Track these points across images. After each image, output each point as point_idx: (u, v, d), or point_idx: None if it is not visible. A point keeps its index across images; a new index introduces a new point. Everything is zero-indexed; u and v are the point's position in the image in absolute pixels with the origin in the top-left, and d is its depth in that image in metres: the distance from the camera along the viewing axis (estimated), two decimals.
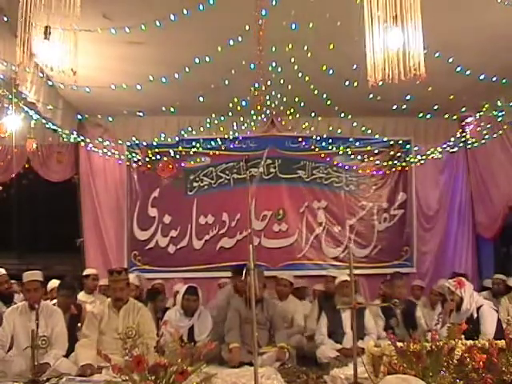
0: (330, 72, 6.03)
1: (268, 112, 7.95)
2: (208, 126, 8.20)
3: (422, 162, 8.55)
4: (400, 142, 8.67)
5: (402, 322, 5.87)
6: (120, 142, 8.30)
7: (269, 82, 6.03)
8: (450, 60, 5.70)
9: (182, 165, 8.48)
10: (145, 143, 8.36)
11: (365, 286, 8.24)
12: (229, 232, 8.43)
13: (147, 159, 8.37)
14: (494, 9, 4.70)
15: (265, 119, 8.31)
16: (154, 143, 8.31)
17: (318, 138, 8.45)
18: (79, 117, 7.90)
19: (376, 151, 8.67)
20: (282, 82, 6.34)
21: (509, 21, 5.02)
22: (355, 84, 5.94)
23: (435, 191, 8.79)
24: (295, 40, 5.24)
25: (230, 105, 7.10)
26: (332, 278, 6.49)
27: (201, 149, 8.45)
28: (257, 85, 5.86)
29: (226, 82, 6.13)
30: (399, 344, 3.42)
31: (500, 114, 7.15)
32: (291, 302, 6.94)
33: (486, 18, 5.06)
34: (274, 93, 6.75)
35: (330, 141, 8.51)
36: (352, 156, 8.63)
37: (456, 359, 3.31)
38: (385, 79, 2.99)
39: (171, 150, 8.38)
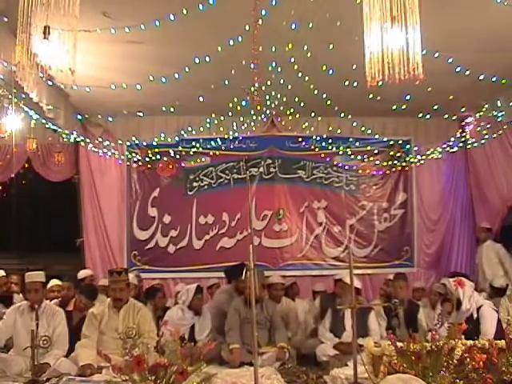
0: (330, 72, 6.03)
1: (268, 112, 7.96)
2: (208, 126, 8.20)
3: (422, 162, 8.56)
4: (400, 142, 8.68)
5: (404, 323, 5.86)
6: (120, 142, 8.31)
7: (269, 82, 6.03)
8: (450, 60, 5.71)
9: (182, 165, 8.49)
10: (145, 143, 8.37)
11: (366, 286, 8.23)
12: (229, 232, 8.43)
13: (147, 159, 8.38)
14: (493, 9, 4.70)
15: (265, 119, 8.32)
16: (154, 143, 8.32)
17: (318, 138, 8.46)
18: (79, 117, 7.91)
19: (376, 151, 8.68)
20: (281, 81, 6.34)
21: (508, 21, 5.02)
22: (355, 84, 5.94)
23: (435, 191, 8.79)
24: (295, 40, 5.24)
25: (230, 105, 7.10)
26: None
27: (201, 149, 8.46)
28: (256, 85, 5.85)
29: (226, 82, 6.13)
30: (399, 344, 3.42)
31: (500, 114, 7.15)
32: (286, 305, 6.87)
33: (485, 18, 5.06)
34: (273, 93, 6.75)
35: (330, 141, 8.52)
36: (352, 156, 8.64)
37: (456, 359, 3.31)
38: (383, 79, 2.98)
39: (171, 150, 8.39)
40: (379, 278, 7.83)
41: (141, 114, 7.91)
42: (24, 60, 3.30)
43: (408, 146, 8.70)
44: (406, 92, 6.59)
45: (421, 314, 6.12)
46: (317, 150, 8.53)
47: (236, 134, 8.33)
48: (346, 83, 6.17)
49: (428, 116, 8.10)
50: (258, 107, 6.89)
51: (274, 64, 5.83)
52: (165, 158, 8.43)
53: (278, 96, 6.94)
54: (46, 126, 7.01)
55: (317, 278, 8.16)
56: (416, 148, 8.64)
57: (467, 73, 5.87)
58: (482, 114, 7.75)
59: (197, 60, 5.55)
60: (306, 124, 8.34)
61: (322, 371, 5.32)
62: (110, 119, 8.02)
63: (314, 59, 5.63)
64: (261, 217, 8.47)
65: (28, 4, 3.22)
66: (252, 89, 5.92)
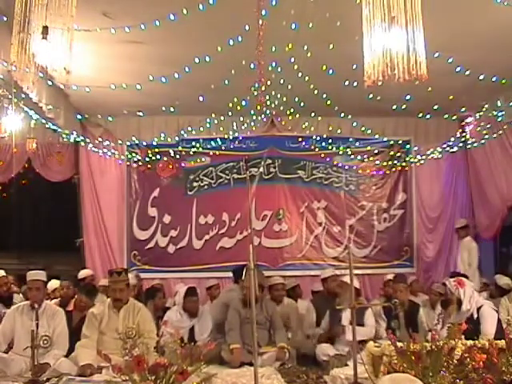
0: (330, 72, 6.03)
1: (268, 112, 7.95)
2: (208, 125, 8.21)
3: (422, 162, 8.56)
4: (400, 142, 8.68)
5: (404, 323, 5.86)
6: (120, 142, 8.31)
7: (269, 82, 6.03)
8: (450, 60, 5.71)
9: (182, 165, 8.49)
10: (145, 143, 8.37)
11: (365, 286, 8.23)
12: (229, 232, 8.43)
13: (147, 159, 8.39)
14: (493, 9, 4.70)
15: (265, 119, 8.32)
16: (154, 143, 8.32)
17: (318, 138, 8.47)
18: (79, 117, 7.91)
19: (376, 151, 8.68)
20: (281, 81, 6.34)
21: (508, 21, 5.02)
22: (355, 84, 5.93)
23: (435, 191, 8.79)
24: (295, 40, 5.24)
25: (230, 105, 7.10)
26: (335, 277, 6.49)
27: (201, 149, 8.46)
28: (257, 85, 5.86)
29: (226, 82, 6.13)
30: (399, 344, 3.42)
31: (500, 114, 7.15)
32: (287, 305, 6.84)
33: (485, 19, 5.06)
34: (273, 93, 6.75)
35: (330, 141, 8.53)
36: (352, 156, 8.64)
37: (456, 359, 3.31)
38: (383, 80, 2.98)
39: (171, 150, 8.39)
40: (379, 278, 7.83)
41: (141, 114, 7.92)
42: (22, 60, 3.30)
43: (408, 146, 8.70)
44: (406, 92, 6.59)
45: (421, 314, 6.12)
46: (317, 150, 8.53)
47: (236, 134, 8.33)
48: (346, 83, 6.17)
49: (428, 116, 8.11)
50: (258, 107, 6.89)
51: (274, 64, 5.83)
52: (165, 158, 8.43)
53: (278, 96, 6.94)
54: (46, 126, 7.02)
55: (316, 277, 8.15)
56: (416, 148, 8.64)
57: (467, 73, 5.87)
58: (481, 113, 7.75)
59: (197, 60, 5.55)
60: (306, 124, 8.34)
61: (322, 371, 5.32)
62: (110, 119, 8.03)
63: (314, 59, 5.63)
64: (261, 217, 8.47)
65: (25, 4, 3.22)
66: (252, 88, 5.93)
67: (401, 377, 2.35)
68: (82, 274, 7.61)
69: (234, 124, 8.18)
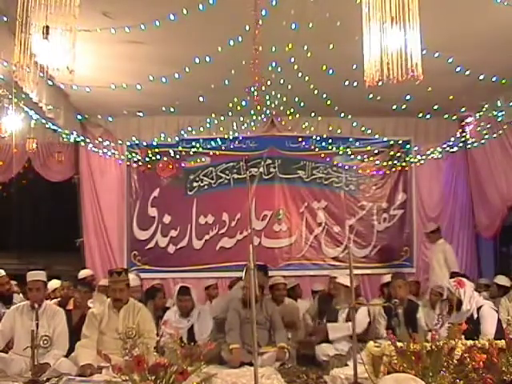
0: (330, 72, 6.03)
1: (268, 112, 7.95)
2: (208, 125, 8.21)
3: (422, 162, 8.56)
4: (400, 142, 8.68)
5: (404, 322, 5.87)
6: (120, 142, 8.31)
7: (269, 82, 6.04)
8: (450, 60, 5.71)
9: (182, 165, 8.49)
10: (145, 143, 8.37)
11: (365, 286, 8.24)
12: (229, 232, 8.43)
13: (147, 159, 8.38)
14: (493, 9, 4.70)
15: (265, 119, 8.32)
16: (154, 143, 8.32)
17: (318, 138, 8.47)
18: (79, 117, 7.91)
19: (376, 151, 8.68)
20: (281, 81, 6.34)
21: (508, 21, 5.02)
22: (355, 84, 5.94)
23: (435, 191, 8.79)
24: (295, 40, 5.24)
25: (230, 105, 7.10)
26: (333, 278, 6.49)
27: (201, 149, 8.46)
28: (257, 84, 5.86)
29: (226, 82, 6.13)
30: (399, 344, 3.42)
31: (500, 114, 7.15)
32: (289, 305, 6.84)
33: (485, 18, 5.06)
34: (273, 93, 6.75)
35: (330, 141, 8.52)
36: (352, 156, 8.64)
37: (456, 359, 3.31)
38: (382, 80, 2.98)
39: (171, 150, 8.39)
40: (378, 278, 7.82)
41: (141, 114, 7.92)
42: (23, 60, 3.30)
43: (408, 146, 8.70)
44: (406, 92, 6.59)
45: (420, 314, 6.13)
46: (317, 150, 8.53)
47: (236, 134, 8.33)
48: (346, 83, 6.17)
49: (428, 116, 8.11)
50: (258, 107, 6.90)
51: (274, 64, 5.83)
52: (165, 158, 8.43)
53: (278, 96, 6.95)
54: (46, 126, 7.02)
55: (316, 277, 8.16)
56: (416, 148, 8.64)
57: (467, 73, 5.87)
58: (482, 114, 7.75)
59: (197, 60, 5.55)
60: (306, 124, 8.34)
61: (322, 371, 5.32)
62: (110, 119, 8.02)
63: (314, 59, 5.63)
64: (261, 217, 8.47)
65: (27, 4, 3.23)
66: (252, 89, 5.93)
67: (403, 377, 2.34)
68: (82, 273, 7.61)
69: (234, 124, 8.18)
